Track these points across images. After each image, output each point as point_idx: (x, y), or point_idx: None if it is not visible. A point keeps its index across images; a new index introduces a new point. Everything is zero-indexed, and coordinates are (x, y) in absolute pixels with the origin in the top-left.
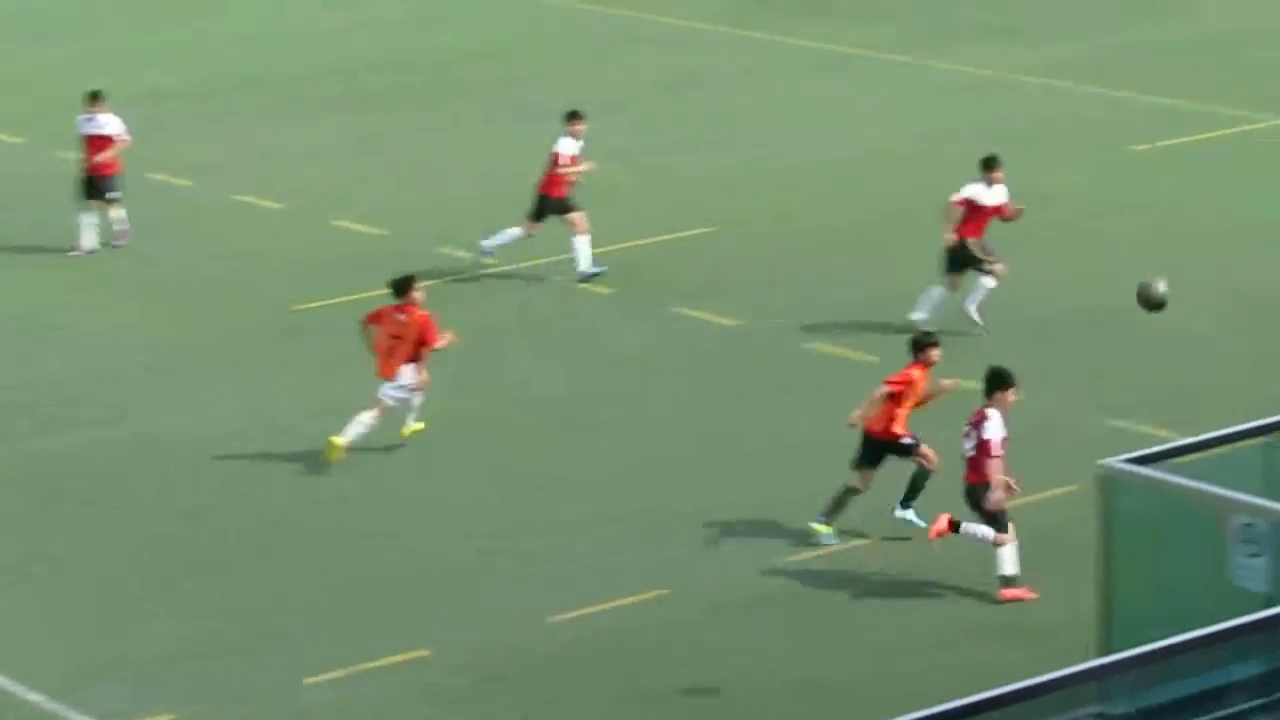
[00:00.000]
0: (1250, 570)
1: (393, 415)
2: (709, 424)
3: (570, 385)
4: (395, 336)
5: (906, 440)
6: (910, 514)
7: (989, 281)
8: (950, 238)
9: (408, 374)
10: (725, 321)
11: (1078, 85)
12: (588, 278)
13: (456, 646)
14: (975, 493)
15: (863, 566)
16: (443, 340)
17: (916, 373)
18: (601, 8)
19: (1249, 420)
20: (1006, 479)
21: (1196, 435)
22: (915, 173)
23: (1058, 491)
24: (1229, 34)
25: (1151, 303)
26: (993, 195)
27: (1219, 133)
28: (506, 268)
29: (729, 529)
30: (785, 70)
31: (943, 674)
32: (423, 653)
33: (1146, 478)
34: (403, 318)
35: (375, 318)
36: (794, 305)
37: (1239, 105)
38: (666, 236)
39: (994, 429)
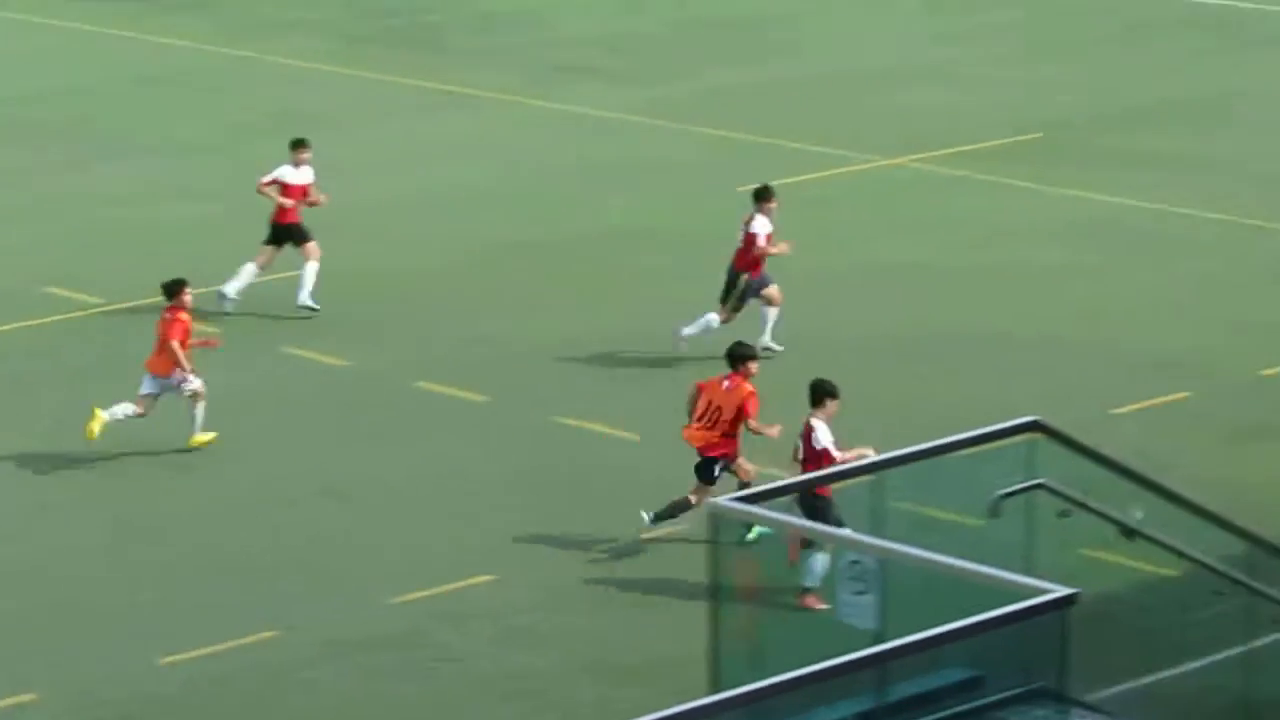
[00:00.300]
0: (857, 608)
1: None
2: (317, 464)
3: (178, 426)
4: (162, 336)
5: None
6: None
7: (714, 318)
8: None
9: (196, 381)
10: (333, 361)
11: (685, 125)
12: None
13: (65, 690)
14: (808, 504)
15: (477, 606)
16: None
17: (747, 386)
18: (210, 46)
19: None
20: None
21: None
22: (522, 211)
23: (674, 530)
24: (835, 75)
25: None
26: (761, 225)
27: (825, 173)
28: (113, 306)
29: (338, 569)
30: (394, 110)
31: (558, 712)
32: (30, 697)
33: (753, 515)
34: (168, 316)
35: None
36: (402, 344)
37: (845, 146)
38: (273, 277)
39: (825, 437)
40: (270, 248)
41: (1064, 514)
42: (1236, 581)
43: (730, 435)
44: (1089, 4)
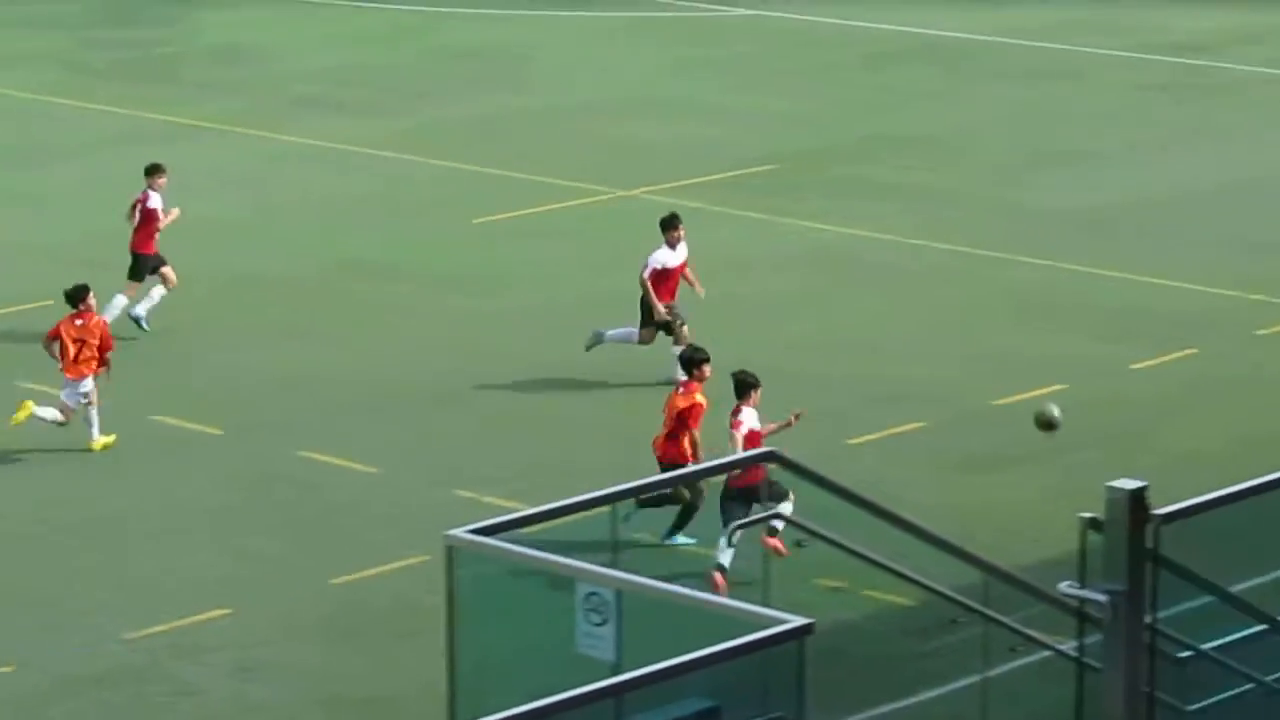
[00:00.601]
0: (596, 639)
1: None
2: (51, 496)
3: None
4: (78, 340)
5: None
6: (679, 538)
7: (675, 349)
8: (660, 309)
9: (89, 383)
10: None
11: (423, 158)
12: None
13: None
14: (746, 493)
15: (214, 640)
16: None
17: (699, 394)
18: None
19: (593, 491)
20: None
21: (540, 506)
22: (260, 244)
23: (411, 562)
24: (570, 107)
25: (1051, 425)
26: (677, 256)
27: (560, 205)
28: None
29: (73, 604)
30: (128, 142)
31: None
32: None
33: (490, 547)
34: (81, 323)
35: (54, 333)
36: (138, 376)
37: (579, 178)
38: (9, 310)
39: (751, 419)
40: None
41: (799, 544)
42: (972, 610)
43: (675, 438)
44: (824, 36)
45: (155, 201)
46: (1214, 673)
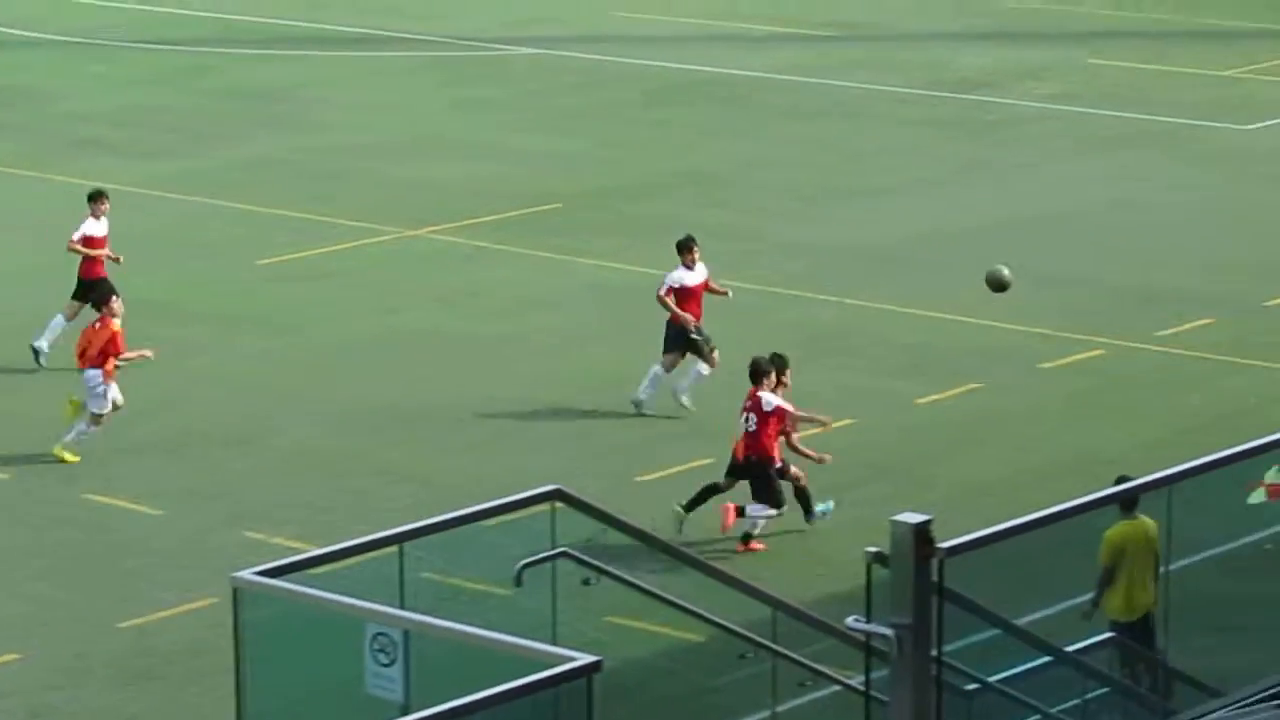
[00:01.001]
0: (385, 680)
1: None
2: None
3: None
4: (89, 341)
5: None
6: (819, 510)
7: (704, 368)
8: (688, 321)
9: (94, 376)
10: None
11: (208, 199)
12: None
13: None
14: (754, 466)
15: (4, 686)
16: (134, 354)
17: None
18: None
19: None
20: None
21: (329, 546)
22: (43, 286)
23: (200, 604)
24: (354, 147)
25: (1002, 285)
26: (695, 275)
27: (346, 245)
28: None
29: None
30: None
31: None
32: None
33: (277, 588)
34: (97, 325)
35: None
36: None
37: (366, 218)
38: None
39: (773, 399)
40: (77, 302)
41: (587, 581)
42: (761, 645)
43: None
44: (607, 75)
45: (94, 228)
46: (1001, 705)
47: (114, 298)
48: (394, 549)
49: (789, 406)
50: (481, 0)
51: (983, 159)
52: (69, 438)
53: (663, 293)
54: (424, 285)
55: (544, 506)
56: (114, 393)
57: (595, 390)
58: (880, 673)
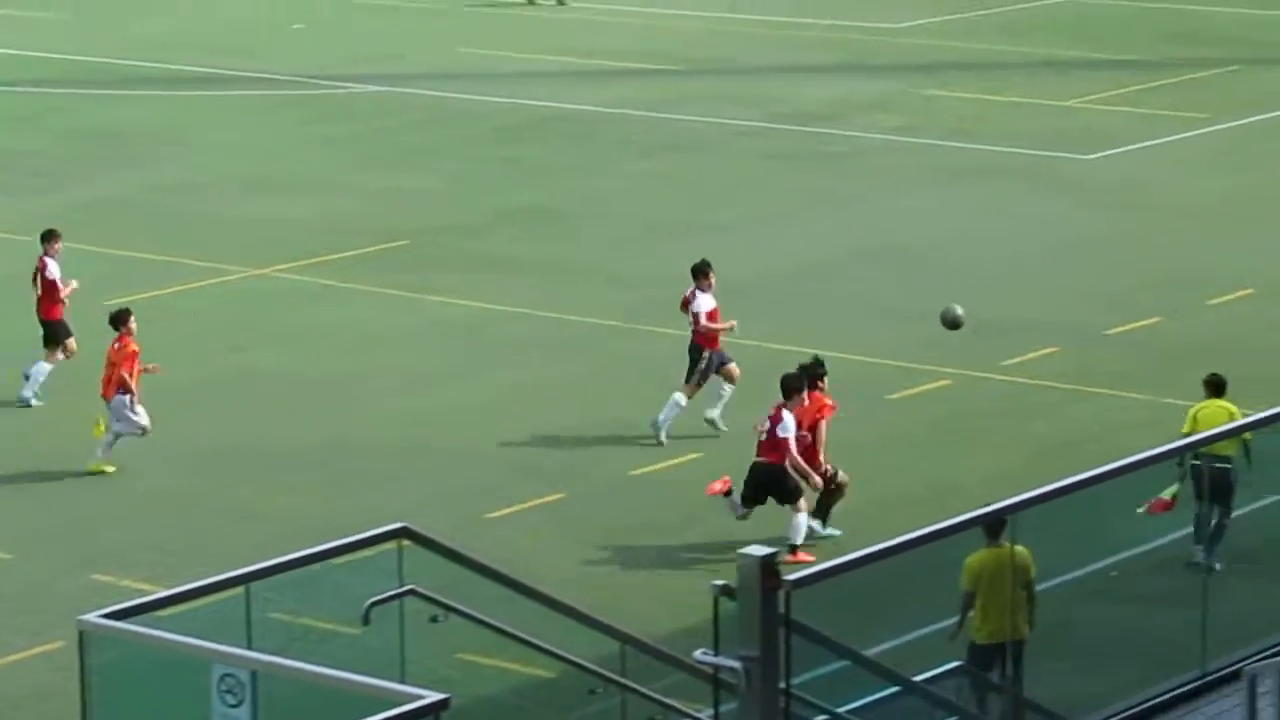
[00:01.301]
0: None
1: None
2: None
3: None
4: (112, 364)
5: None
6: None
7: (681, 398)
8: (731, 327)
9: (121, 401)
10: None
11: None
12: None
13: None
14: (769, 471)
15: None
16: (147, 367)
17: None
18: None
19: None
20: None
21: (178, 587)
22: None
23: (48, 648)
24: (200, 185)
25: (956, 324)
26: (711, 300)
27: (193, 284)
28: None
29: None
30: None
31: None
32: None
33: (123, 631)
34: (117, 346)
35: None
36: None
37: (213, 257)
38: None
39: (790, 428)
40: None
41: (435, 619)
42: (610, 680)
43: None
44: (455, 111)
45: (53, 271)
46: None
47: (69, 339)
48: (241, 589)
49: (793, 446)
50: (327, 38)
51: (826, 191)
52: (99, 452)
53: (704, 318)
54: (272, 324)
55: (391, 544)
56: (141, 412)
57: (444, 428)
58: (729, 706)
